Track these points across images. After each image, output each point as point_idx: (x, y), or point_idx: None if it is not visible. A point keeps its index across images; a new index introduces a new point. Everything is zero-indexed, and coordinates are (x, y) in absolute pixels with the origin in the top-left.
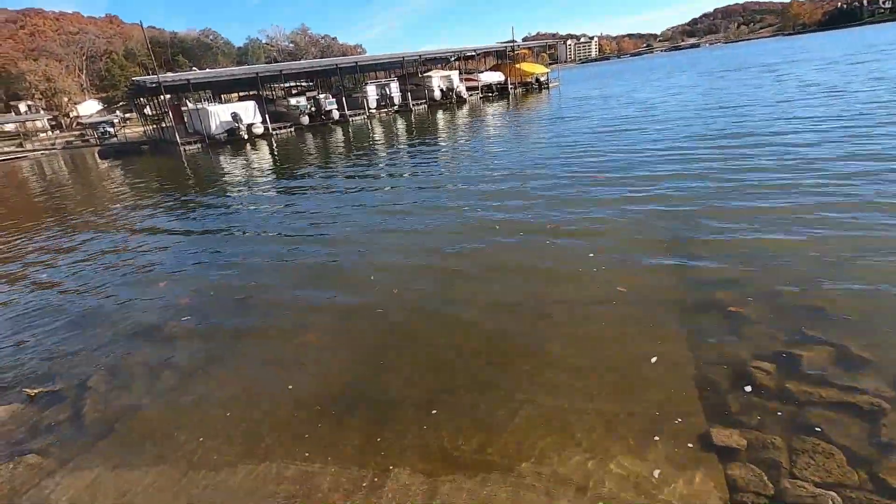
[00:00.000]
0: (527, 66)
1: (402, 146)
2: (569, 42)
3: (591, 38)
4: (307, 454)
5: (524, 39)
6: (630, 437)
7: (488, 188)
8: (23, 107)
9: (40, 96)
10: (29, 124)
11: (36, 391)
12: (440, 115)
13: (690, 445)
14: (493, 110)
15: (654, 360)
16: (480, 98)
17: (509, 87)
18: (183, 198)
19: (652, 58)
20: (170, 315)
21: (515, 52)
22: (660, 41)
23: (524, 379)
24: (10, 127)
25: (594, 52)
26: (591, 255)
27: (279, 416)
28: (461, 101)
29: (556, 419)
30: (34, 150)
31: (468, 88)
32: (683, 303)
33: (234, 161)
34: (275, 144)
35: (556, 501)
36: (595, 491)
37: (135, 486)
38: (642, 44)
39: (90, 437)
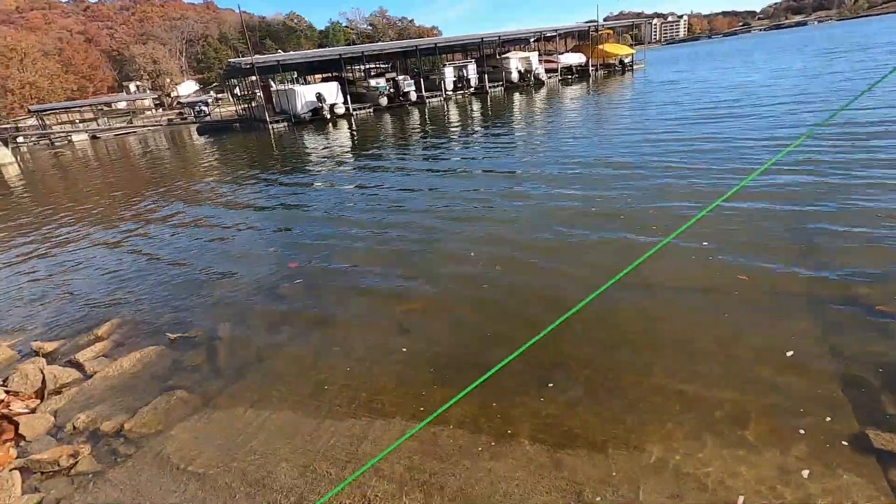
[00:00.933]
0: (610, 47)
1: (478, 129)
2: (654, 21)
3: (680, 16)
4: (425, 413)
5: (605, 19)
6: (770, 431)
7: (571, 175)
8: (132, 87)
9: (147, 77)
10: (137, 103)
11: (175, 336)
12: (517, 97)
13: (845, 444)
14: (573, 93)
15: (789, 353)
16: (559, 80)
17: (590, 68)
18: (275, 172)
19: (749, 37)
20: (281, 277)
21: (598, 33)
22: (759, 19)
23: (642, 362)
24: (121, 105)
25: (682, 32)
26: (705, 243)
27: (396, 375)
28: (539, 83)
29: (683, 404)
30: (142, 126)
31: (547, 70)
32: (817, 298)
33: (317, 139)
34: (354, 124)
35: (688, 491)
36: (731, 482)
37: (268, 427)
38: (738, 22)
39: (225, 380)
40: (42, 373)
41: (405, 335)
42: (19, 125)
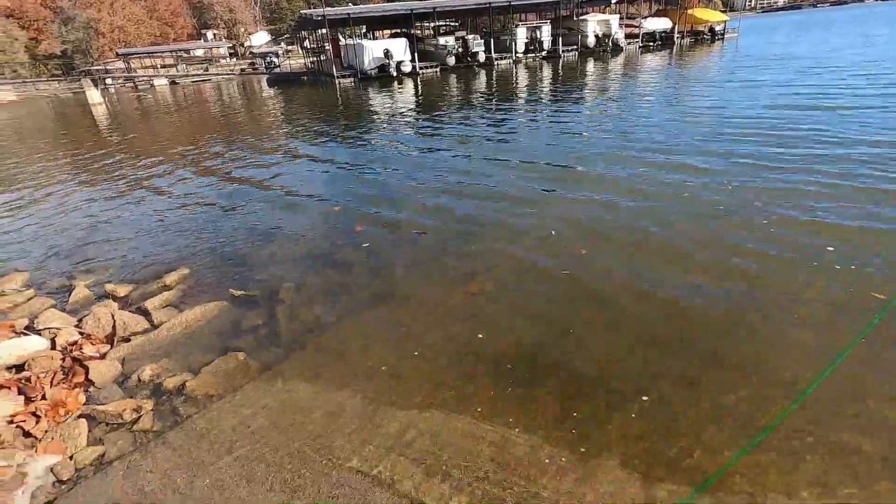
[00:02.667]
0: (700, 13)
1: (546, 97)
2: None
3: None
4: (504, 415)
5: None
6: None
7: (647, 156)
8: (209, 35)
9: (223, 26)
10: (214, 51)
11: (238, 293)
12: (591, 64)
13: None
14: (652, 63)
15: None
16: (640, 47)
17: (675, 36)
18: (340, 128)
19: (866, 5)
20: (346, 240)
21: None
22: None
23: (764, 381)
24: (199, 52)
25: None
26: (830, 248)
27: (467, 367)
28: (617, 49)
29: (823, 447)
30: (217, 74)
31: (627, 36)
32: None
33: (382, 97)
34: (420, 84)
35: None
36: None
37: (324, 405)
38: None
39: (285, 349)
40: (113, 318)
41: (473, 320)
42: (108, 68)
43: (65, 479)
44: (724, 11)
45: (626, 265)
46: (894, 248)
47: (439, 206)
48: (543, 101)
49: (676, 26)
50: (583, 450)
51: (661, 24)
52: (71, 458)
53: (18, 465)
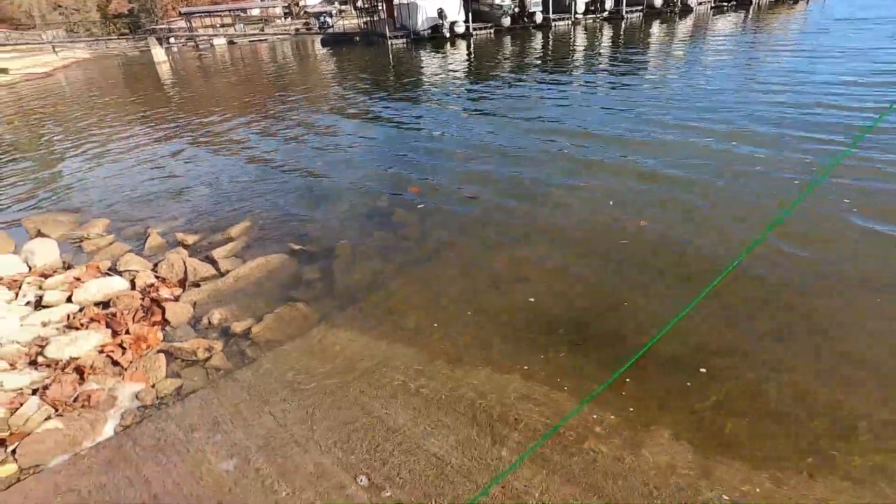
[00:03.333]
0: None
1: (604, 62)
2: None
3: None
4: (555, 379)
5: None
6: None
7: (715, 126)
8: None
9: None
10: (269, 10)
11: (298, 247)
12: (655, 27)
13: None
14: (723, 27)
15: None
16: (711, 8)
17: None
18: (393, 90)
19: None
20: (401, 200)
21: None
22: None
23: (837, 363)
24: (255, 12)
25: None
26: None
27: (520, 328)
28: (686, 10)
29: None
30: (272, 35)
31: None
32: None
33: (434, 59)
34: (473, 45)
35: None
36: None
37: (380, 355)
38: None
39: (341, 301)
40: (185, 264)
41: (524, 283)
42: (171, 27)
43: (148, 404)
44: None
45: (691, 239)
46: None
47: (491, 172)
48: (601, 66)
49: None
50: (634, 413)
51: None
52: (153, 386)
53: (109, 388)
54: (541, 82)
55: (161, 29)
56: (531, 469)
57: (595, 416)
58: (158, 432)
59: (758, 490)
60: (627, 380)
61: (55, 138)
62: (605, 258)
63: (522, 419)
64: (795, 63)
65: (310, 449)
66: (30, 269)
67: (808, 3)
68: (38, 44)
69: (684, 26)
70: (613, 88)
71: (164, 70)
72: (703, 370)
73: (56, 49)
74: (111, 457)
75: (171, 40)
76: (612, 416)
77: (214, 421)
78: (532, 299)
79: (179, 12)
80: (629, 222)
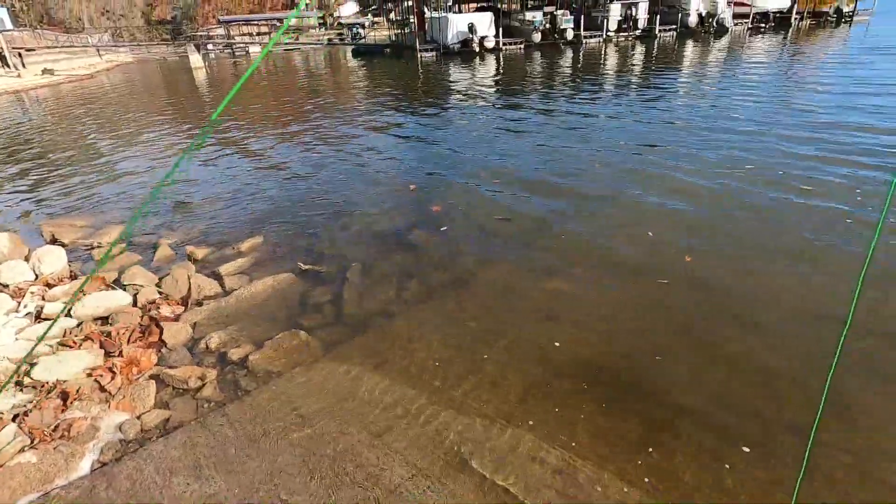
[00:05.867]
0: None
1: (635, 81)
2: None
3: None
4: (572, 442)
5: None
6: None
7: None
8: (301, 4)
9: None
10: (304, 20)
11: (307, 266)
12: (689, 46)
13: None
14: (760, 49)
15: None
16: (748, 29)
17: (794, 16)
18: (420, 104)
19: None
20: (421, 220)
21: None
22: None
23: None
24: (292, 21)
25: None
26: None
27: (538, 377)
28: (722, 30)
29: None
30: (306, 44)
31: (735, 15)
32: None
33: (463, 72)
34: (502, 60)
35: None
36: None
37: (385, 399)
38: None
39: (349, 331)
40: (189, 280)
41: (549, 324)
42: (210, 34)
43: (130, 438)
44: None
45: (741, 281)
46: None
47: (521, 194)
48: (632, 85)
49: (796, 5)
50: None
51: (777, 2)
52: (139, 417)
53: (92, 417)
54: (569, 100)
55: (200, 36)
56: None
57: (615, 488)
58: (136, 473)
59: None
60: (650, 449)
61: (83, 142)
62: (643, 299)
63: (532, 484)
64: (831, 99)
65: None
66: (36, 277)
67: (851, 26)
68: (85, 47)
69: (719, 47)
70: (645, 108)
71: (200, 76)
72: (746, 449)
73: (101, 52)
74: (81, 500)
75: (210, 47)
76: (633, 489)
77: (196, 464)
78: (557, 343)
79: (219, 20)
80: (673, 256)
